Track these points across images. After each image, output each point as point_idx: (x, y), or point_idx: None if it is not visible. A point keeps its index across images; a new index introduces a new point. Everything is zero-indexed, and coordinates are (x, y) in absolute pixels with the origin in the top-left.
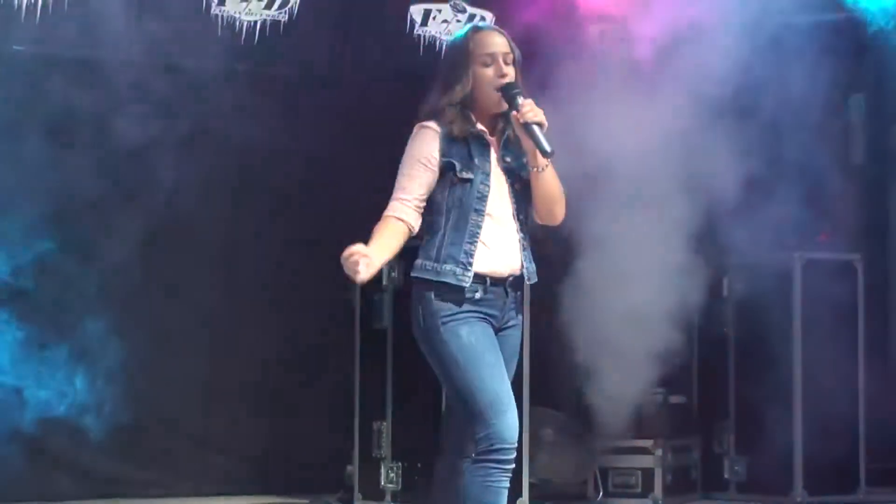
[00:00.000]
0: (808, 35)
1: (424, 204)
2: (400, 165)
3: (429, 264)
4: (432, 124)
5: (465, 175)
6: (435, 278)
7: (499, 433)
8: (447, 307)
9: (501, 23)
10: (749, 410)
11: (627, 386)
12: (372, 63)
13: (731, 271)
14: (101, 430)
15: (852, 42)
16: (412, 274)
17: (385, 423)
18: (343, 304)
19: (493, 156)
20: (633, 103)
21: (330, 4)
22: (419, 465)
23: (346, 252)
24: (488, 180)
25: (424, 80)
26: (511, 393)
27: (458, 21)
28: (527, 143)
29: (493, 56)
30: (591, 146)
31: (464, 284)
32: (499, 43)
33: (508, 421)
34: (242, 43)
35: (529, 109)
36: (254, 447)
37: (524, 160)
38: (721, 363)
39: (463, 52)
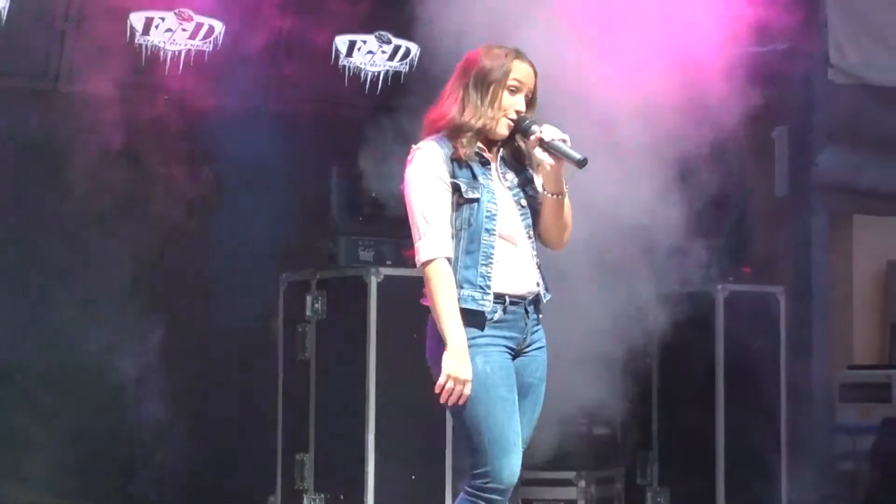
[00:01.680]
0: (731, 66)
1: None
2: (413, 195)
3: None
4: (433, 145)
5: (472, 195)
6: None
7: (498, 473)
8: (467, 332)
9: (427, 54)
10: (673, 442)
11: (549, 416)
12: (297, 93)
13: (655, 302)
14: None
15: (776, 74)
16: (425, 303)
17: (308, 455)
18: (266, 335)
19: (495, 173)
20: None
21: (255, 35)
22: (342, 496)
23: (451, 385)
24: (495, 199)
25: (348, 109)
26: (519, 432)
27: (384, 52)
28: (548, 168)
29: (519, 87)
30: None
31: (484, 308)
32: (530, 76)
33: (511, 462)
34: (167, 73)
35: (550, 130)
36: (176, 477)
37: (527, 174)
38: (645, 394)
39: (500, 74)
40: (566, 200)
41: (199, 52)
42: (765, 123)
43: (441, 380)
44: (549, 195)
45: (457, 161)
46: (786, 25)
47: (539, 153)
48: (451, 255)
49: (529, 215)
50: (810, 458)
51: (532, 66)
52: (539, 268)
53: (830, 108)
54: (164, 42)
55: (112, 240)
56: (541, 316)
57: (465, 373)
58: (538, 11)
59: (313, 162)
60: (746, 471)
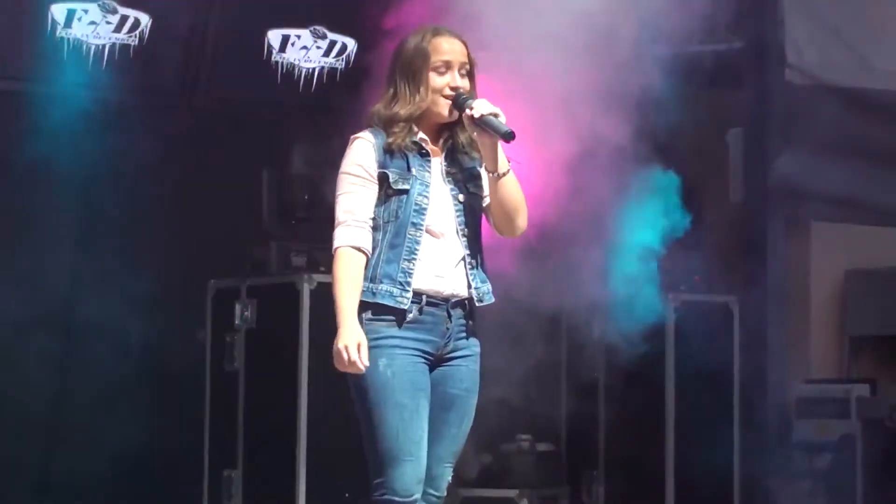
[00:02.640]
0: (684, 66)
1: (373, 223)
2: (337, 184)
3: (365, 285)
4: (366, 135)
5: (401, 186)
6: (371, 300)
7: (391, 485)
8: (377, 329)
9: (364, 50)
10: (620, 459)
11: (487, 430)
12: (226, 88)
13: (601, 313)
14: None
15: (731, 73)
16: None
17: (236, 472)
18: (192, 345)
19: (436, 166)
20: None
21: (182, 28)
22: None
23: (341, 352)
24: (427, 191)
25: (280, 107)
26: (421, 442)
27: (318, 48)
28: (484, 143)
29: (448, 65)
30: None
31: (402, 306)
32: (456, 51)
33: (405, 473)
34: (90, 67)
35: (482, 105)
36: (97, 494)
37: (473, 170)
38: (591, 409)
39: (421, 58)
40: (510, 180)
41: (125, 46)
42: (718, 125)
43: (335, 362)
44: (490, 174)
45: (391, 152)
46: (739, 21)
47: (471, 129)
48: (363, 244)
49: (464, 213)
50: (765, 478)
51: (457, 37)
52: (475, 269)
53: (787, 110)
54: (87, 35)
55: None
56: (471, 322)
57: (349, 338)
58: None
59: (243, 163)
60: (698, 492)
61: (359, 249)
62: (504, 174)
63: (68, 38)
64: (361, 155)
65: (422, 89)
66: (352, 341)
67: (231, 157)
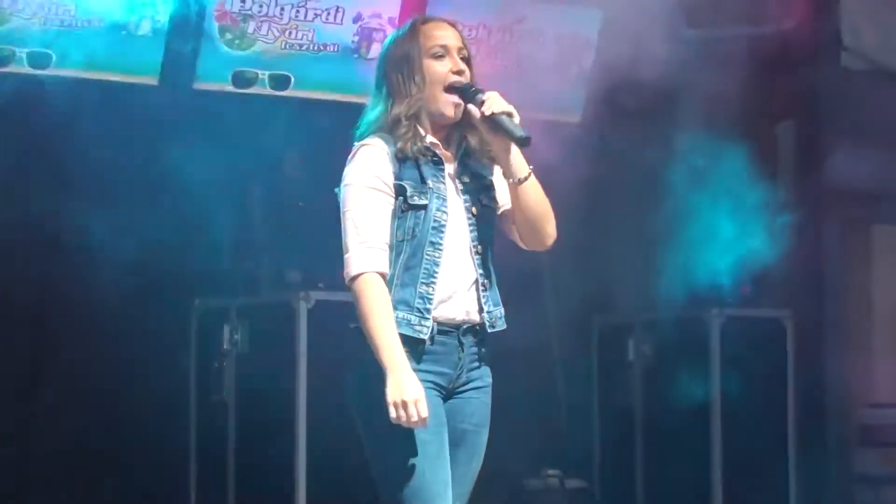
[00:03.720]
0: (724, 51)
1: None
2: (347, 198)
3: None
4: (376, 141)
5: (419, 201)
6: None
7: None
8: None
9: None
10: (660, 496)
11: (511, 467)
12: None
13: (636, 332)
14: None
15: (779, 59)
16: (352, 325)
17: None
18: (176, 372)
19: (449, 175)
20: None
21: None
22: None
23: (415, 414)
24: (445, 206)
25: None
26: (447, 483)
27: None
28: (497, 146)
29: (446, 48)
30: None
31: (421, 335)
32: (450, 35)
33: None
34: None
35: (494, 101)
36: None
37: (485, 178)
38: (627, 439)
39: (414, 45)
40: (531, 185)
41: None
42: (767, 118)
43: (391, 414)
44: (509, 181)
45: (403, 160)
46: (790, 2)
47: (482, 129)
48: (386, 270)
49: (478, 228)
50: None
51: (449, 22)
52: (488, 290)
53: (844, 99)
54: None
55: None
56: (484, 350)
57: (411, 392)
58: None
59: (232, 167)
60: None
61: (382, 274)
62: (525, 179)
63: None
64: (375, 164)
65: (418, 79)
66: (410, 395)
67: (219, 161)
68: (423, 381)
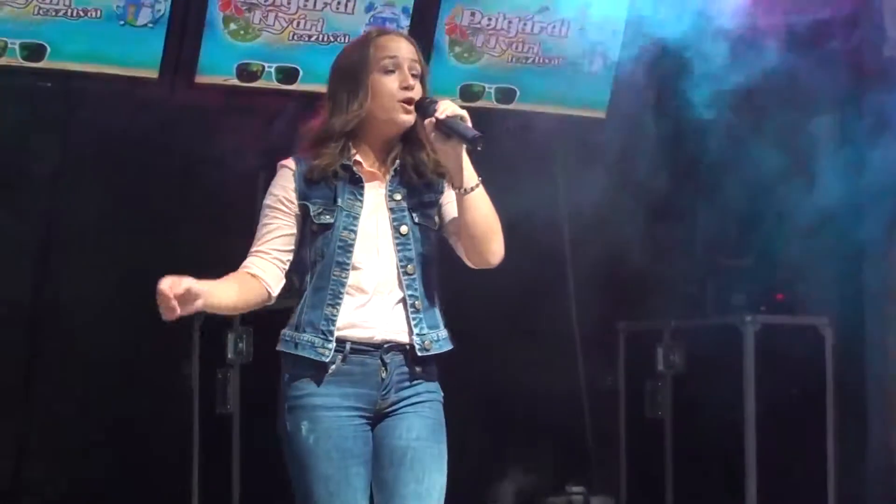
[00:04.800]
0: (756, 42)
1: (288, 259)
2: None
3: (288, 334)
4: (289, 162)
5: (324, 220)
6: (293, 351)
7: None
8: (298, 386)
9: None
10: None
11: (529, 480)
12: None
13: (666, 340)
14: None
15: (817, 50)
16: (277, 347)
17: None
18: (179, 384)
19: (373, 193)
20: None
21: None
22: None
23: (167, 281)
24: (356, 224)
25: None
26: None
27: None
28: (447, 154)
29: (396, 62)
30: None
31: (324, 358)
32: (403, 48)
33: None
34: None
35: (448, 105)
36: None
37: (425, 196)
38: (656, 453)
39: (361, 59)
40: (479, 196)
41: None
42: (802, 112)
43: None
44: (456, 191)
45: (313, 180)
46: None
47: (434, 136)
48: (260, 273)
49: (413, 245)
50: None
51: (405, 37)
52: (420, 312)
53: (888, 92)
54: None
55: None
56: (419, 369)
57: (169, 282)
58: None
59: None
60: None
61: (257, 278)
62: (472, 189)
63: None
64: (280, 186)
65: (361, 94)
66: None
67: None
68: (330, 407)
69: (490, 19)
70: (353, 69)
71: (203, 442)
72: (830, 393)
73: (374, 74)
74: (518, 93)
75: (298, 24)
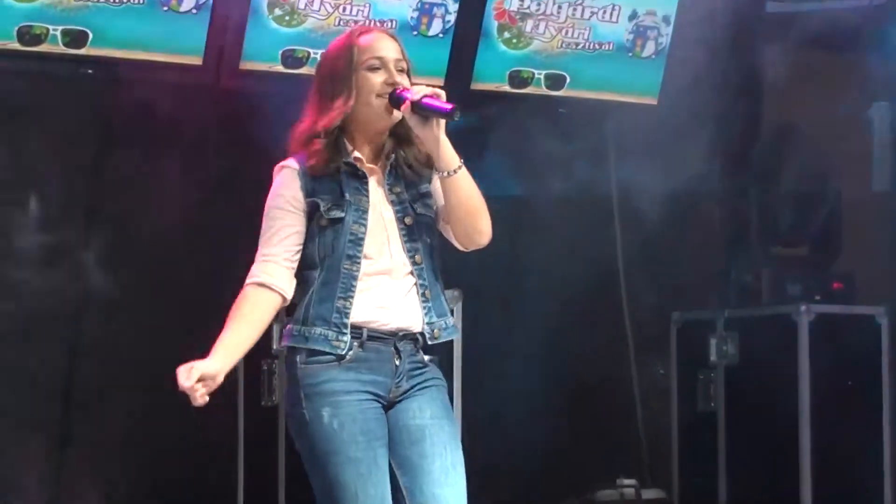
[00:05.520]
0: (812, 27)
1: (297, 259)
2: (263, 223)
3: (296, 328)
4: (291, 163)
5: (334, 215)
6: (304, 345)
7: None
8: (313, 373)
9: None
10: None
11: (578, 473)
12: None
13: (718, 330)
14: None
15: (872, 34)
16: (282, 343)
17: None
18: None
19: (375, 187)
20: None
21: None
22: None
23: (182, 375)
24: (365, 218)
25: None
26: (384, 499)
27: None
28: (427, 137)
29: (382, 60)
30: None
31: (339, 350)
32: (389, 47)
33: None
34: None
35: (419, 88)
36: None
37: (421, 187)
38: (708, 446)
39: (345, 59)
40: (463, 177)
41: None
42: (857, 98)
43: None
44: (440, 175)
45: (318, 177)
46: None
47: (412, 122)
48: (274, 282)
49: (413, 237)
50: None
51: (389, 34)
52: (430, 300)
53: None
54: None
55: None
56: (428, 358)
57: (198, 364)
58: None
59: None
60: None
61: (263, 285)
62: (456, 170)
63: None
64: (286, 186)
65: (346, 92)
66: (186, 366)
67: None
68: (351, 392)
69: (539, 4)
70: (338, 70)
71: (248, 435)
72: (886, 384)
73: (360, 72)
74: (568, 79)
75: (344, 9)
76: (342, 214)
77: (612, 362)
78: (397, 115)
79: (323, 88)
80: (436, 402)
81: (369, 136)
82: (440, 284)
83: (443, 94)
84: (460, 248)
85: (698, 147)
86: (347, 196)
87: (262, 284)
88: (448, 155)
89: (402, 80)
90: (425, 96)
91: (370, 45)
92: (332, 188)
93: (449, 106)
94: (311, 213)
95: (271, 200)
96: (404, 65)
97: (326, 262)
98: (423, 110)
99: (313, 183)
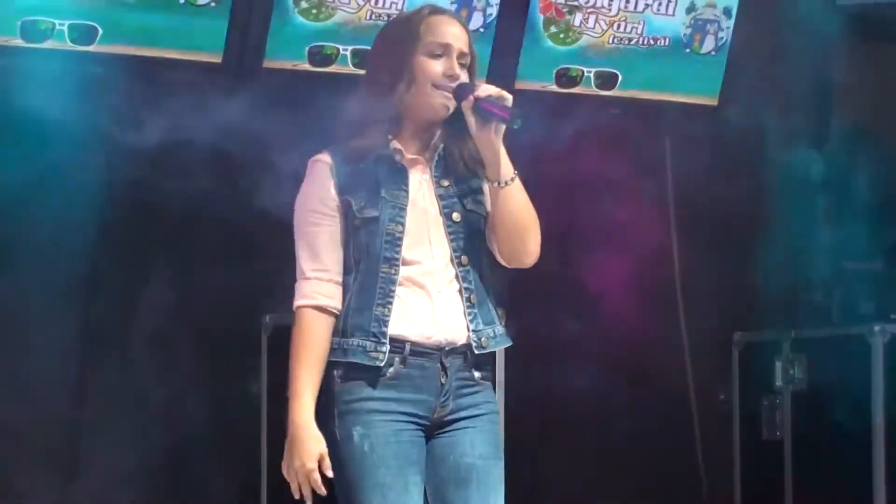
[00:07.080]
0: (866, 18)
1: (342, 266)
2: (295, 223)
3: (335, 340)
4: (323, 156)
5: (368, 213)
6: (343, 359)
7: None
8: (350, 389)
9: None
10: None
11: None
12: None
13: (785, 352)
14: None
15: None
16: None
17: None
18: (247, 397)
19: (418, 181)
20: None
21: None
22: None
23: (295, 473)
24: (403, 216)
25: None
26: None
27: None
28: (484, 141)
29: (446, 48)
30: None
31: (377, 363)
32: (457, 35)
33: None
34: None
35: (487, 87)
36: None
37: (472, 182)
38: (775, 478)
39: (409, 37)
40: (516, 190)
41: None
42: None
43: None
44: (491, 184)
45: (355, 171)
46: None
47: (470, 119)
48: (329, 302)
49: (461, 236)
50: None
51: (460, 21)
52: (475, 307)
53: None
54: None
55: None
56: (478, 374)
57: (301, 458)
58: None
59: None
60: None
61: (323, 309)
62: (508, 182)
63: None
64: (318, 184)
65: (406, 76)
66: (307, 457)
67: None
68: (386, 412)
69: None
70: (398, 47)
71: (271, 460)
72: None
73: (420, 56)
74: (620, 77)
75: (377, 2)
76: (376, 213)
77: (669, 387)
78: (448, 105)
79: (379, 67)
80: (487, 436)
81: (419, 126)
82: (488, 289)
83: (510, 98)
84: (503, 263)
85: (761, 152)
86: (383, 192)
87: (321, 308)
88: (504, 164)
89: (463, 75)
90: (490, 96)
91: (437, 29)
92: (368, 183)
93: (515, 111)
94: (346, 212)
95: (306, 202)
96: (468, 60)
97: (362, 266)
98: (484, 111)
99: (348, 177)
